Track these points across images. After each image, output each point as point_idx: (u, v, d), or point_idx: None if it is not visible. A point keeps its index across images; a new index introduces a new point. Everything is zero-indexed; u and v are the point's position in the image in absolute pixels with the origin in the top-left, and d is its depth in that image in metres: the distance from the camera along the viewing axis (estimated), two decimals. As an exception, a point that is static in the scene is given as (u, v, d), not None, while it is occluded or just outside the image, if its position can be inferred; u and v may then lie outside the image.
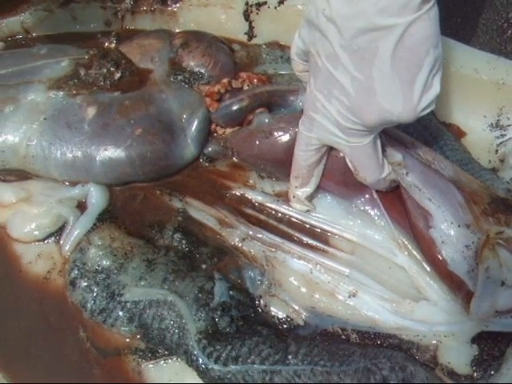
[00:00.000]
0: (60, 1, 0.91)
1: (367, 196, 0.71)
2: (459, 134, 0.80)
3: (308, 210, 0.71)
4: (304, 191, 0.70)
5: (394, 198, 0.70)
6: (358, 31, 0.55)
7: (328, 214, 0.72)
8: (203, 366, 0.65)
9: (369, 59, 0.56)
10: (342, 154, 0.68)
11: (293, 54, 0.68)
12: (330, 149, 0.68)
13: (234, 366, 0.64)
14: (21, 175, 0.81)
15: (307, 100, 0.64)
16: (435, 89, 0.58)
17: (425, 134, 0.76)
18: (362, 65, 0.57)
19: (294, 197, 0.71)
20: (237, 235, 0.72)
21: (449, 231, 0.65)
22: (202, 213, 0.76)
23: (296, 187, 0.70)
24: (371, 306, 0.68)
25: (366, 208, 0.71)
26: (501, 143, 0.79)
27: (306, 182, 0.69)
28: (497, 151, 0.79)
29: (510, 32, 0.95)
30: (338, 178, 0.70)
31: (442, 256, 0.65)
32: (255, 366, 0.64)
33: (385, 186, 0.68)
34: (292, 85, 0.78)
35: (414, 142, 0.70)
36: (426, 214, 0.66)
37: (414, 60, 0.56)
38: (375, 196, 0.70)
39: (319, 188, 0.71)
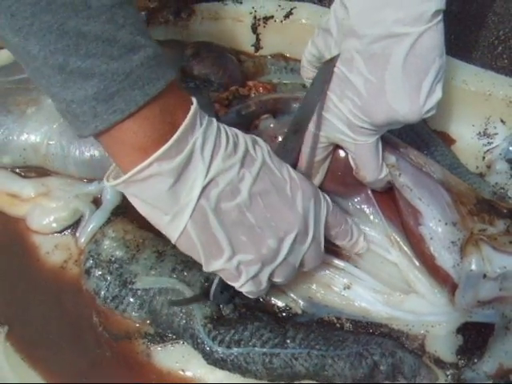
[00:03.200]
0: None
1: (363, 195, 0.73)
2: (449, 141, 0.82)
3: None
4: None
5: (387, 198, 0.73)
6: (374, 38, 0.60)
7: None
8: (208, 349, 0.68)
9: (382, 63, 0.60)
10: (342, 156, 0.71)
11: (304, 61, 0.72)
12: (333, 150, 0.72)
13: (236, 349, 0.67)
14: (40, 172, 0.83)
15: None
16: (438, 94, 0.62)
17: (417, 140, 0.79)
18: (375, 68, 0.61)
19: None
20: None
21: (437, 228, 0.68)
22: None
23: None
24: (364, 298, 0.70)
25: (362, 207, 0.73)
26: (488, 150, 0.80)
27: (311, 178, 0.72)
28: (484, 158, 0.80)
29: (500, 48, 0.96)
30: (337, 178, 0.73)
31: (430, 251, 0.68)
32: (256, 348, 0.67)
33: (381, 185, 0.71)
34: (295, 93, 0.81)
35: (406, 147, 0.73)
36: (416, 212, 0.69)
37: (423, 66, 0.60)
38: (371, 196, 0.73)
39: (319, 187, 0.75)
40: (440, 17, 0.59)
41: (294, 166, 0.69)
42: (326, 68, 0.66)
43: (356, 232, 0.70)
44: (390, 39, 0.59)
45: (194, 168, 0.53)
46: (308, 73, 0.73)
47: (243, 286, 0.60)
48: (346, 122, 0.65)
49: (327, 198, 0.65)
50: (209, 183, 0.54)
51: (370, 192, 0.74)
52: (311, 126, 0.69)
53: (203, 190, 0.53)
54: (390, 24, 0.59)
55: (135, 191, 0.54)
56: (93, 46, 0.47)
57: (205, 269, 0.58)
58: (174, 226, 0.55)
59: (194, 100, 0.55)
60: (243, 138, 0.58)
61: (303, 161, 0.71)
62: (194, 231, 0.55)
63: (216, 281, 0.65)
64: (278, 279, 0.62)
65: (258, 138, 0.61)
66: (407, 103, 0.61)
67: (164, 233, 0.57)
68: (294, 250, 0.60)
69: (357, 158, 0.68)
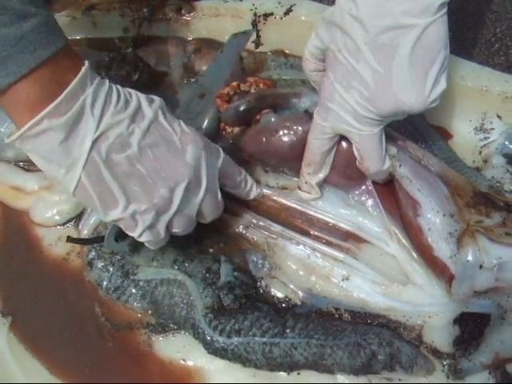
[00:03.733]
0: (82, 8, 0.93)
1: (364, 188, 0.75)
2: (446, 135, 0.83)
3: (315, 198, 0.75)
4: (317, 177, 0.74)
5: (387, 191, 0.74)
6: (382, 29, 0.61)
7: (326, 205, 0.75)
8: (208, 338, 0.69)
9: (390, 54, 0.61)
10: (344, 148, 0.72)
11: (307, 54, 0.73)
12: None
13: (236, 338, 0.69)
14: None
15: (323, 92, 0.68)
16: (442, 84, 0.63)
17: (415, 134, 0.80)
18: (383, 59, 0.62)
19: (305, 183, 0.74)
20: (241, 223, 0.76)
21: (435, 219, 0.69)
22: None
23: (308, 174, 0.73)
24: (362, 289, 0.72)
25: (363, 199, 0.75)
26: (484, 145, 0.81)
27: (318, 169, 0.73)
28: (480, 152, 0.81)
29: (497, 46, 0.97)
30: (339, 170, 0.74)
31: (427, 242, 0.69)
32: (256, 338, 0.68)
33: (383, 177, 0.72)
34: (294, 89, 0.82)
35: (405, 141, 0.74)
36: (415, 203, 0.70)
37: (428, 57, 0.61)
38: (371, 188, 0.74)
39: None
40: (445, 9, 0.60)
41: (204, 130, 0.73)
42: (240, 39, 0.66)
43: (250, 180, 0.74)
44: (398, 30, 0.60)
45: (85, 123, 0.57)
46: (310, 65, 0.74)
47: (141, 235, 0.63)
48: (351, 112, 0.66)
49: (220, 150, 0.68)
50: (99, 137, 0.58)
51: (370, 184, 0.75)
52: (317, 117, 0.70)
53: (94, 144, 0.57)
54: (397, 15, 0.60)
55: (30, 147, 0.57)
56: None
57: (103, 219, 0.62)
58: (69, 178, 0.59)
59: (85, 63, 0.58)
60: (136, 97, 0.62)
61: (309, 151, 0.73)
62: (89, 182, 0.59)
63: (109, 229, 0.69)
64: (175, 229, 0.65)
65: (155, 97, 0.64)
66: (413, 94, 0.62)
67: (62, 186, 0.60)
68: (188, 201, 0.64)
69: (361, 149, 0.69)
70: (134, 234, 0.63)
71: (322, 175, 0.74)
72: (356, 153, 0.70)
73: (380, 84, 0.63)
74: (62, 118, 0.55)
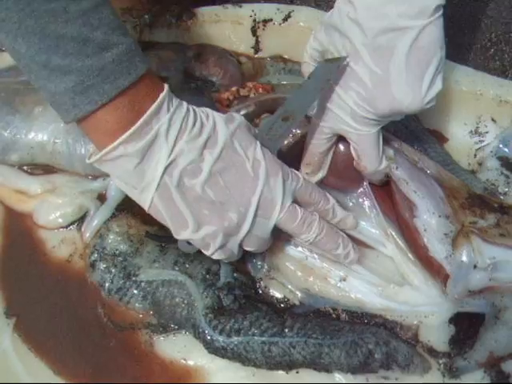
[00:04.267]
0: None
1: (361, 190, 0.76)
2: (442, 139, 0.84)
3: None
4: (315, 178, 0.75)
5: (384, 193, 0.75)
6: (379, 31, 0.63)
7: None
8: (209, 338, 0.70)
9: (387, 55, 0.63)
10: (342, 149, 0.74)
11: (306, 57, 0.75)
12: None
13: (236, 338, 0.70)
14: (47, 169, 0.85)
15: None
16: (438, 85, 0.65)
17: (411, 137, 0.81)
18: (380, 60, 0.64)
19: None
20: None
21: (431, 220, 0.71)
22: None
23: (307, 174, 0.74)
24: (359, 289, 0.72)
25: (360, 201, 0.76)
26: (479, 148, 0.83)
27: (316, 169, 0.74)
28: (475, 155, 0.83)
29: (492, 50, 0.98)
30: (337, 170, 0.75)
31: (423, 242, 0.70)
32: (255, 337, 0.69)
33: (379, 178, 0.74)
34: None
35: (401, 144, 0.76)
36: (411, 204, 0.72)
37: (425, 58, 0.63)
38: (369, 190, 0.76)
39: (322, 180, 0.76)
40: (441, 11, 0.62)
41: (281, 153, 0.71)
42: (330, 66, 0.68)
43: (340, 210, 0.72)
44: (395, 32, 0.62)
45: (159, 150, 0.60)
46: (309, 68, 0.75)
47: (213, 254, 0.66)
48: (349, 112, 0.68)
49: (299, 175, 0.68)
50: (171, 163, 0.61)
51: (368, 186, 0.76)
52: (315, 118, 0.71)
53: (166, 169, 0.60)
54: (394, 18, 0.62)
55: (108, 169, 0.62)
56: (70, 46, 0.54)
57: (175, 236, 0.65)
58: (143, 199, 0.63)
59: (165, 87, 0.61)
60: (212, 119, 0.64)
61: (308, 152, 0.74)
62: (161, 204, 0.62)
63: None
64: (249, 248, 0.68)
65: (235, 116, 0.66)
66: (410, 94, 0.64)
67: (139, 203, 0.64)
68: (258, 223, 0.65)
69: (359, 149, 0.71)
70: (207, 253, 0.66)
71: (320, 175, 0.75)
72: (354, 153, 0.72)
73: (377, 85, 0.65)
74: (138, 145, 0.59)
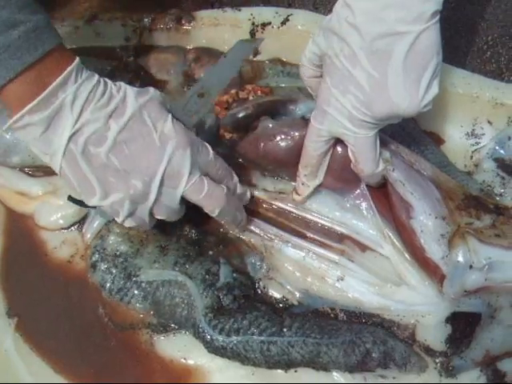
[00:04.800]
0: (85, 18, 0.96)
1: (359, 191, 0.77)
2: (439, 141, 0.86)
3: (306, 200, 0.78)
4: (313, 179, 0.76)
5: (381, 195, 0.76)
6: (377, 35, 0.63)
7: (322, 208, 0.77)
8: (209, 337, 0.72)
9: (385, 59, 0.64)
10: (340, 152, 0.74)
11: (304, 60, 0.75)
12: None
13: (235, 337, 0.71)
14: (48, 171, 0.83)
15: (320, 96, 0.71)
16: (435, 89, 0.66)
17: (408, 139, 0.82)
18: (378, 64, 0.64)
19: (302, 184, 0.76)
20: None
21: (427, 222, 0.72)
22: None
23: (305, 175, 0.76)
24: (357, 289, 0.74)
25: (357, 202, 0.77)
26: (475, 150, 0.84)
27: (314, 170, 0.75)
28: (472, 157, 0.84)
29: (488, 53, 0.99)
30: (335, 172, 0.76)
31: (420, 243, 0.71)
32: (254, 336, 0.71)
33: (376, 180, 0.75)
34: (291, 95, 0.84)
35: (398, 146, 0.77)
36: (408, 206, 0.72)
37: (422, 63, 0.64)
38: (366, 191, 0.77)
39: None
40: (438, 17, 0.63)
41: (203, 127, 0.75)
42: (247, 46, 0.69)
43: (240, 187, 0.76)
44: (393, 37, 0.63)
45: (65, 119, 0.64)
46: (308, 71, 0.76)
47: (124, 221, 0.70)
48: (347, 115, 0.68)
49: (209, 149, 0.71)
50: (77, 131, 0.64)
51: (365, 188, 0.77)
52: (313, 121, 0.72)
53: (71, 137, 0.64)
54: (392, 22, 0.63)
55: (20, 136, 0.66)
56: None
57: (86, 203, 0.69)
58: (53, 165, 0.67)
59: (74, 61, 0.65)
60: (123, 91, 0.68)
61: (306, 154, 0.75)
62: (68, 171, 0.66)
63: None
64: (159, 216, 0.71)
65: (150, 89, 0.70)
66: (407, 98, 0.65)
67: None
68: (168, 192, 0.68)
69: (356, 151, 0.71)
70: (118, 220, 0.69)
71: (318, 177, 0.76)
72: (351, 155, 0.72)
73: (375, 88, 0.65)
74: (43, 114, 0.63)
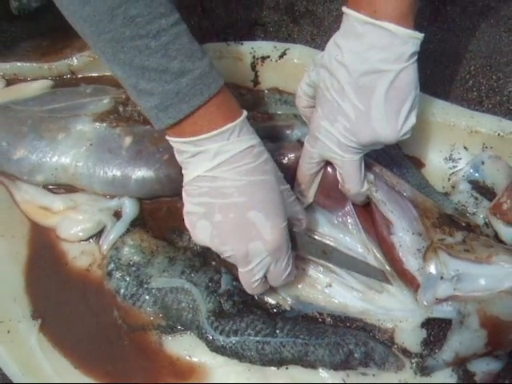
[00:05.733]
0: None
1: (346, 209, 0.83)
2: (419, 164, 0.91)
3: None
4: (306, 195, 0.83)
5: (365, 213, 0.82)
6: (362, 73, 0.70)
7: (314, 224, 0.83)
8: (210, 337, 0.77)
9: (369, 94, 0.71)
10: (330, 173, 0.81)
11: (300, 92, 0.82)
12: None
13: (234, 337, 0.76)
14: (69, 189, 0.89)
15: (313, 124, 0.77)
16: (412, 120, 0.73)
17: (391, 163, 0.88)
18: (363, 98, 0.71)
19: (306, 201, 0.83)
20: None
21: (405, 237, 0.78)
22: None
23: (299, 191, 0.82)
24: (343, 294, 0.79)
25: (344, 219, 0.83)
26: (453, 173, 0.90)
27: (307, 188, 0.82)
28: (449, 179, 0.89)
29: (470, 82, 1.03)
30: (324, 191, 0.82)
31: (399, 256, 0.78)
32: (251, 337, 0.76)
33: (361, 199, 0.81)
34: (288, 122, 0.90)
35: (382, 169, 0.83)
36: (388, 223, 0.79)
37: (401, 97, 0.71)
38: (352, 210, 0.83)
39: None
40: (415, 57, 0.71)
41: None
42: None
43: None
44: (376, 74, 0.70)
45: (203, 161, 0.69)
46: (303, 102, 0.83)
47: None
48: (336, 142, 0.75)
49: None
50: (204, 177, 0.69)
51: (351, 206, 0.83)
52: (307, 145, 0.79)
53: (198, 177, 0.69)
54: (375, 62, 0.70)
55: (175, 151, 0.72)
56: (152, 74, 0.65)
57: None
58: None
59: (240, 116, 0.70)
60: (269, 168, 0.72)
61: (300, 173, 0.82)
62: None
63: None
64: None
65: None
66: (388, 127, 0.71)
67: None
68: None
69: (343, 173, 0.78)
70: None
71: (310, 194, 0.83)
72: (339, 177, 0.79)
73: (360, 119, 0.72)
74: (191, 148, 0.68)
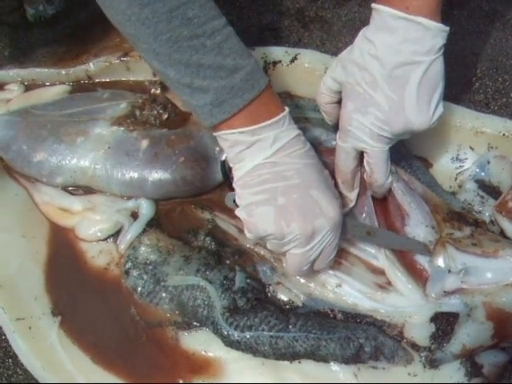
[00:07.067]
0: (117, 55, 1.00)
1: (364, 203, 0.85)
2: (427, 164, 0.93)
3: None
4: (352, 191, 0.84)
5: (382, 210, 0.85)
6: (396, 64, 0.74)
7: None
8: (225, 333, 0.79)
9: (402, 84, 0.75)
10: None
11: (323, 88, 0.84)
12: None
13: (248, 333, 0.78)
14: (87, 190, 0.91)
15: (342, 118, 0.80)
16: (441, 109, 0.77)
17: (402, 162, 0.89)
18: (396, 88, 0.75)
19: (351, 200, 0.85)
20: (252, 240, 0.84)
21: (420, 229, 0.81)
22: (227, 223, 0.88)
23: (345, 190, 0.84)
24: (353, 294, 0.81)
25: (361, 211, 0.85)
26: (459, 173, 0.92)
27: (351, 185, 0.83)
28: (456, 179, 0.91)
29: (477, 85, 1.06)
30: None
31: None
32: (264, 332, 0.78)
33: (383, 191, 0.83)
34: (299, 126, 0.87)
35: (395, 167, 0.86)
36: (404, 214, 0.82)
37: (432, 86, 0.75)
38: (370, 203, 0.85)
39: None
40: (443, 49, 0.75)
41: None
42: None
43: None
44: (409, 65, 0.74)
45: (263, 150, 0.72)
46: (326, 98, 0.85)
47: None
48: (368, 132, 0.78)
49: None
50: (264, 164, 0.73)
51: (370, 200, 0.86)
52: (339, 141, 0.81)
53: (257, 166, 0.73)
54: (409, 54, 0.74)
55: (222, 145, 0.76)
56: (208, 71, 0.69)
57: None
58: (236, 173, 0.77)
59: (285, 108, 0.74)
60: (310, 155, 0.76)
61: (340, 172, 0.83)
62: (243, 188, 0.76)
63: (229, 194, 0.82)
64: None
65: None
66: (420, 116, 0.75)
67: None
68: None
69: (372, 163, 0.80)
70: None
71: (354, 193, 0.85)
72: (367, 167, 0.81)
73: (394, 108, 0.75)
74: (248, 138, 0.72)
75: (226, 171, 0.80)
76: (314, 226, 0.73)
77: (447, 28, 0.75)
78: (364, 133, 0.77)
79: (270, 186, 0.73)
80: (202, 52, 0.68)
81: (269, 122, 0.72)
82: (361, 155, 0.82)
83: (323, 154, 0.84)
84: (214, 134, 0.75)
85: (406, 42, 0.74)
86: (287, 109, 0.74)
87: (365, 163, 0.81)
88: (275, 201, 0.73)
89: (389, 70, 0.75)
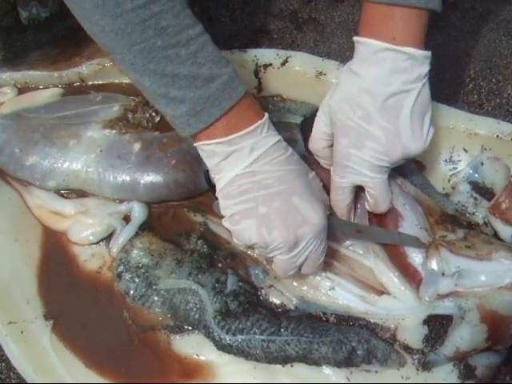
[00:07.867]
0: (110, 57, 0.99)
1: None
2: (421, 166, 0.92)
3: None
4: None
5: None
6: (388, 95, 0.75)
7: None
8: (217, 336, 0.79)
9: (395, 113, 0.75)
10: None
11: (317, 134, 0.84)
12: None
13: (240, 336, 0.78)
14: (80, 193, 0.91)
15: (338, 154, 0.78)
16: (432, 130, 0.78)
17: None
18: (390, 118, 0.75)
19: None
20: None
21: (413, 231, 0.81)
22: (219, 226, 0.86)
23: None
24: (345, 297, 0.81)
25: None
26: (452, 175, 0.91)
27: (348, 218, 0.84)
28: (449, 180, 0.91)
29: (470, 85, 1.07)
30: None
31: (403, 249, 0.81)
32: (256, 336, 0.78)
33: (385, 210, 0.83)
34: (290, 133, 0.91)
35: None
36: (398, 215, 0.82)
37: (423, 111, 0.77)
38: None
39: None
40: (428, 74, 0.76)
41: None
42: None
43: None
44: (401, 94, 0.75)
45: (241, 160, 0.72)
46: (321, 143, 0.84)
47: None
48: (367, 165, 0.77)
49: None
50: (244, 174, 0.72)
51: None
52: (335, 177, 0.81)
53: (238, 176, 0.72)
54: (400, 84, 0.74)
55: (202, 156, 0.75)
56: (183, 81, 0.68)
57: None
58: (218, 183, 0.75)
59: (264, 114, 0.74)
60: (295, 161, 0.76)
61: (338, 209, 0.83)
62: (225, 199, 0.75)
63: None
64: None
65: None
66: (416, 141, 0.76)
67: None
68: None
69: (376, 194, 0.80)
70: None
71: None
72: (370, 199, 0.81)
73: (390, 138, 0.76)
74: (225, 148, 0.71)
75: (211, 180, 0.79)
76: (296, 233, 0.73)
77: (430, 53, 0.76)
78: (363, 166, 0.78)
79: (251, 196, 0.73)
80: (177, 62, 0.68)
81: (244, 131, 0.71)
82: (357, 188, 0.82)
83: (312, 160, 0.85)
84: (195, 144, 0.74)
85: (395, 73, 0.74)
86: (266, 115, 0.74)
87: (367, 196, 0.81)
88: (257, 210, 0.72)
89: (381, 102, 0.75)
